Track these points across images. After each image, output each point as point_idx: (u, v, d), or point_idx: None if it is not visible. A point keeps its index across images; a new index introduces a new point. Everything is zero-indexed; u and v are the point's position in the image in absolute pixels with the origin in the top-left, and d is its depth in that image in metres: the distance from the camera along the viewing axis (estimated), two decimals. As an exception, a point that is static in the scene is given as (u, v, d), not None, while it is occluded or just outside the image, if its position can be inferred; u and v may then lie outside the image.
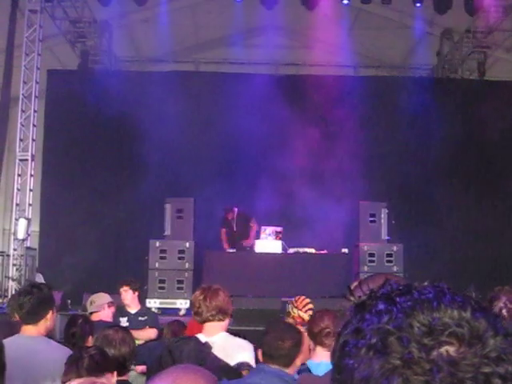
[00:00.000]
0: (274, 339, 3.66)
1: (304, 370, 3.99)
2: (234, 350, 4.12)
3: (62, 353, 4.04)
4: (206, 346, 3.89)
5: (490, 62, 17.83)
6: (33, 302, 4.03)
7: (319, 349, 4.06)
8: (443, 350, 0.78)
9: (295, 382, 3.60)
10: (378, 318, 0.84)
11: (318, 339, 4.05)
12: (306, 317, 5.74)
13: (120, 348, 3.92)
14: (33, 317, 4.03)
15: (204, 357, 3.77)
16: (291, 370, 3.67)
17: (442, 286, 0.88)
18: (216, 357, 3.79)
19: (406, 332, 0.80)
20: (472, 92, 16.65)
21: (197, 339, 3.99)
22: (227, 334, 4.29)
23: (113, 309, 6.63)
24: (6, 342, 4.01)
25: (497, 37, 16.92)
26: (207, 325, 4.19)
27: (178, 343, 3.99)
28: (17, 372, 3.80)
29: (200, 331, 4.24)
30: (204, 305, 4.19)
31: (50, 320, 4.09)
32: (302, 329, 5.48)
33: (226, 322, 4.29)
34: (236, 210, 14.29)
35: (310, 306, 5.97)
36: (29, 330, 4.03)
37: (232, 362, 3.93)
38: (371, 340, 0.82)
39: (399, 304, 0.84)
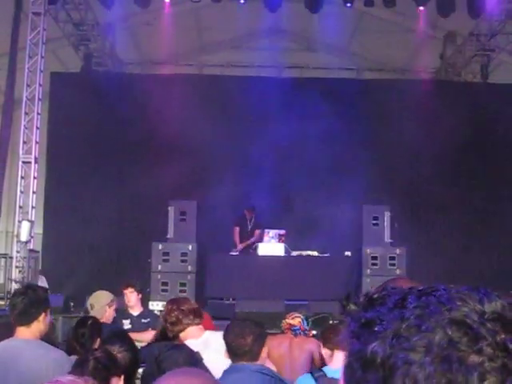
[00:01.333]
0: (235, 337, 3.74)
1: (320, 376, 4.02)
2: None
3: (56, 356, 4.02)
4: (197, 356, 3.97)
5: (493, 65, 17.81)
6: (25, 302, 3.99)
7: (337, 354, 4.16)
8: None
9: (274, 372, 3.66)
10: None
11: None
12: (292, 321, 6.06)
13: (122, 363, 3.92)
14: (24, 317, 3.97)
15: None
16: (260, 363, 3.75)
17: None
18: (205, 367, 3.84)
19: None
20: (475, 95, 16.62)
21: (188, 348, 4.09)
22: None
23: (114, 307, 6.58)
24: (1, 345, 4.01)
25: (500, 40, 16.91)
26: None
27: (168, 352, 4.04)
28: (6, 375, 3.79)
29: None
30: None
31: (42, 322, 4.03)
32: (292, 333, 5.91)
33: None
34: (255, 212, 14.27)
35: (298, 319, 6.16)
36: (22, 333, 3.98)
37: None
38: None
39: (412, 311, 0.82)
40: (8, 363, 3.81)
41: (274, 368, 4.16)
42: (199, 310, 4.78)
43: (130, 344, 4.04)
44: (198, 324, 4.62)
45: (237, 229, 14.23)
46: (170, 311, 4.61)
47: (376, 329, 0.81)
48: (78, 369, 3.28)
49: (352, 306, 0.87)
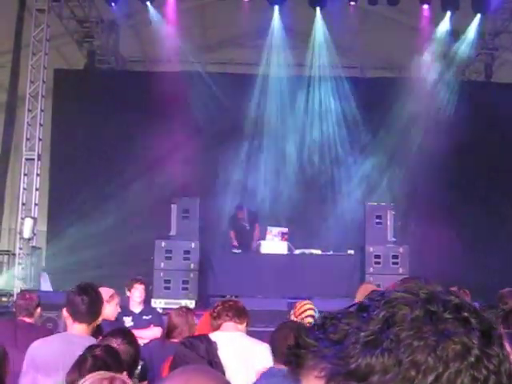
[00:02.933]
0: (281, 339, 3.69)
1: None
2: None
3: None
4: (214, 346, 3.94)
5: (497, 63, 17.77)
6: (89, 303, 4.14)
7: None
8: None
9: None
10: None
11: None
12: (304, 320, 5.66)
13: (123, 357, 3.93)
14: (88, 317, 4.10)
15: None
16: None
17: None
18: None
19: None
20: (479, 94, 16.59)
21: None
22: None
23: (114, 302, 6.45)
24: (60, 336, 4.03)
25: (504, 39, 16.86)
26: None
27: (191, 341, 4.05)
28: (67, 368, 3.78)
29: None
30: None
31: (99, 321, 4.28)
32: None
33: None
34: (245, 208, 14.29)
35: (309, 312, 5.83)
36: (80, 329, 4.09)
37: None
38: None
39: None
40: (69, 356, 3.82)
41: None
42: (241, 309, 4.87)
43: (131, 339, 4.07)
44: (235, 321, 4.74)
45: (232, 232, 14.25)
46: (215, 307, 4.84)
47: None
48: (75, 368, 3.23)
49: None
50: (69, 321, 4.19)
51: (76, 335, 4.07)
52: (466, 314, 0.82)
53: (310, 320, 5.71)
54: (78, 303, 4.10)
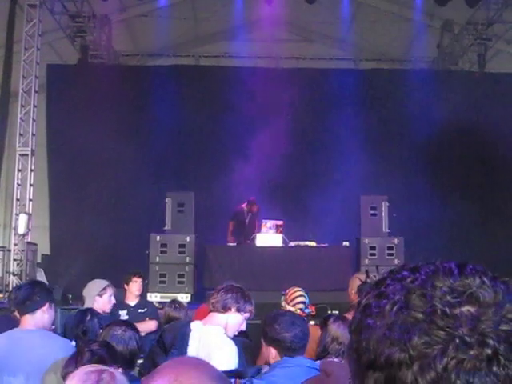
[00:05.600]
0: (300, 332, 3.66)
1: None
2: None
3: (62, 344, 4.05)
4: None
5: (490, 54, 17.77)
6: (29, 290, 4.07)
7: None
8: (464, 308, 0.82)
9: (316, 365, 3.58)
10: (401, 281, 0.87)
11: None
12: (295, 310, 5.62)
13: (127, 346, 3.95)
14: (29, 305, 4.02)
15: None
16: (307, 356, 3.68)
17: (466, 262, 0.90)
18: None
19: (429, 290, 0.84)
20: (472, 84, 16.60)
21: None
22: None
23: (108, 294, 6.42)
24: (6, 335, 4.01)
25: (497, 29, 16.85)
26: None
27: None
28: (15, 364, 3.79)
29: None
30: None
31: (47, 312, 4.10)
32: None
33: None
34: (256, 205, 14.16)
35: (300, 299, 5.84)
36: (27, 321, 4.02)
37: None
38: (394, 297, 0.85)
39: (423, 270, 0.88)
40: (16, 352, 3.82)
41: None
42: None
43: (134, 327, 4.17)
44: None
45: (232, 223, 14.13)
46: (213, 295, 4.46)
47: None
48: (72, 360, 3.26)
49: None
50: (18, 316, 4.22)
51: (22, 330, 4.05)
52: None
53: (301, 306, 5.76)
54: (16, 296, 4.13)
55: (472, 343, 0.80)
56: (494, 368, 0.79)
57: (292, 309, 5.71)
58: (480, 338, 0.80)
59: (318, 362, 3.69)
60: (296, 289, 6.01)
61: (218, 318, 4.24)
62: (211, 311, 4.31)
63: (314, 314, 6.07)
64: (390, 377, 0.82)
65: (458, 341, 0.80)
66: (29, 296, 4.03)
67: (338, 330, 4.06)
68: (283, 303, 5.92)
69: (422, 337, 0.81)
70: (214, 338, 4.13)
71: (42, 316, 4.07)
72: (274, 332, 3.69)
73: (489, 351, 0.79)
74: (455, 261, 0.91)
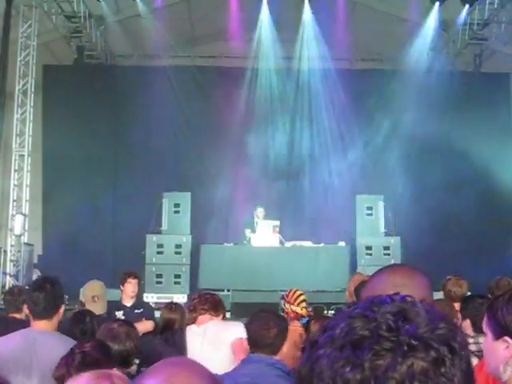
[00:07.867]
0: (260, 328, 3.68)
1: None
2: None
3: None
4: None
5: (486, 54, 17.76)
6: (48, 298, 4.04)
7: None
8: (404, 322, 0.92)
9: (286, 368, 3.60)
10: (343, 313, 0.97)
11: None
12: (300, 310, 5.75)
13: (125, 343, 3.93)
14: (47, 312, 4.03)
15: None
16: (279, 358, 3.67)
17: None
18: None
19: (369, 313, 0.93)
20: (468, 84, 16.60)
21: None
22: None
23: (99, 301, 6.43)
24: (20, 334, 4.02)
25: (493, 29, 16.84)
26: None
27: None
28: (30, 365, 3.79)
29: None
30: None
31: (60, 315, 4.14)
32: (298, 323, 5.36)
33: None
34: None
35: (302, 297, 5.93)
36: (43, 325, 4.03)
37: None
38: (340, 324, 0.93)
39: (359, 303, 0.97)
40: (31, 353, 3.82)
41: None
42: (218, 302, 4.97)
43: (132, 323, 4.22)
44: (211, 314, 4.82)
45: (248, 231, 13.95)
46: (191, 300, 5.00)
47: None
48: (63, 363, 3.18)
49: None
50: (31, 317, 4.19)
51: (38, 331, 4.05)
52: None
53: (304, 305, 5.86)
54: (36, 300, 4.09)
55: (417, 346, 0.88)
56: (442, 369, 0.88)
57: (297, 309, 5.79)
58: (424, 341, 0.89)
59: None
60: (295, 289, 6.10)
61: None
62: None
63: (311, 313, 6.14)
64: None
65: (405, 347, 0.88)
66: (47, 305, 4.04)
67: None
68: (286, 305, 5.97)
69: (372, 349, 0.87)
70: (220, 324, 4.54)
71: (57, 319, 4.12)
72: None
73: (434, 354, 0.88)
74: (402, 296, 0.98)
